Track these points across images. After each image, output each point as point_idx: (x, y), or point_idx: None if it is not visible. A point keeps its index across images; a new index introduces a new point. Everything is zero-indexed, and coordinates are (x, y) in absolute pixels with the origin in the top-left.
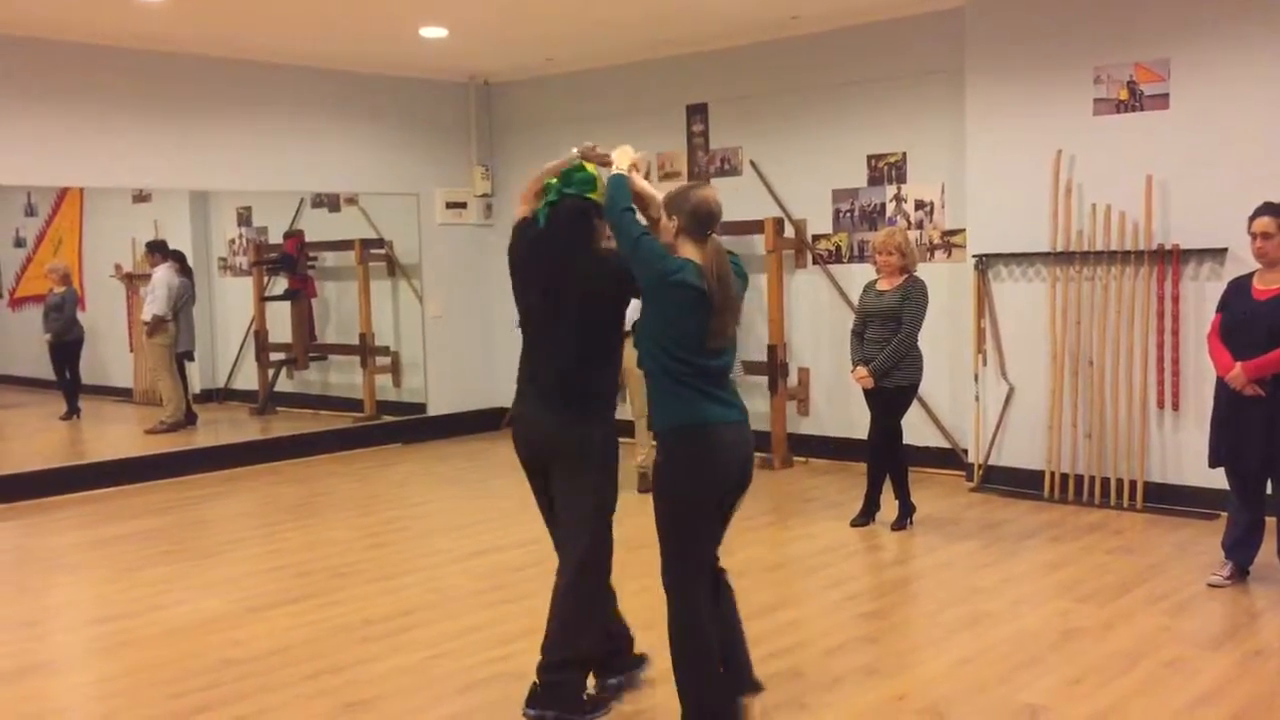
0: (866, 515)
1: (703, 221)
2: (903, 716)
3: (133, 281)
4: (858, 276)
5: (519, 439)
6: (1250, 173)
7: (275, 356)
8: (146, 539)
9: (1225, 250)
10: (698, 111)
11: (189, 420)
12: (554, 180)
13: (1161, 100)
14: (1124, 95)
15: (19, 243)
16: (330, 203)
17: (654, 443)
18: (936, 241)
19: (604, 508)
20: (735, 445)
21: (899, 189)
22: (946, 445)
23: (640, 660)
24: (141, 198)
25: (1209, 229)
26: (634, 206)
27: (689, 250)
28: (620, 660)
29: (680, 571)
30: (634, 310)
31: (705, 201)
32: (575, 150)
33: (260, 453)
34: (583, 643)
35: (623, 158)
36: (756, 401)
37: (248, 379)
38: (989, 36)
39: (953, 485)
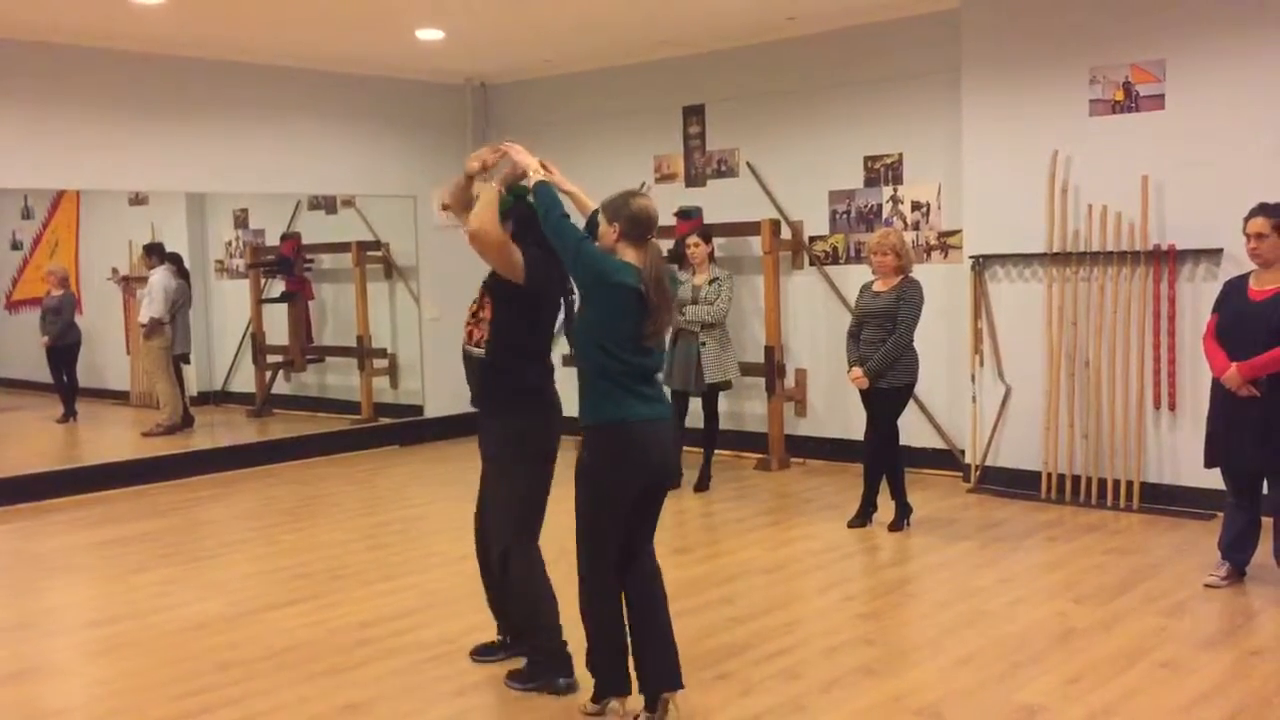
0: (864, 516)
1: (642, 226)
2: (900, 717)
3: (129, 284)
4: (854, 278)
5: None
6: (1246, 173)
7: (272, 359)
8: (144, 541)
9: (1221, 251)
10: (694, 113)
11: (186, 423)
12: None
13: (1157, 101)
14: (1120, 96)
15: (16, 245)
16: (327, 205)
17: None
18: (933, 242)
19: (525, 493)
20: (657, 442)
21: (895, 190)
22: (943, 446)
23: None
24: (138, 200)
25: (1204, 229)
26: (566, 212)
27: (629, 254)
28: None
29: (590, 557)
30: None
31: (644, 209)
32: (493, 181)
33: (257, 455)
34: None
35: (529, 161)
36: (754, 403)
37: (245, 381)
38: (985, 38)
39: (950, 486)
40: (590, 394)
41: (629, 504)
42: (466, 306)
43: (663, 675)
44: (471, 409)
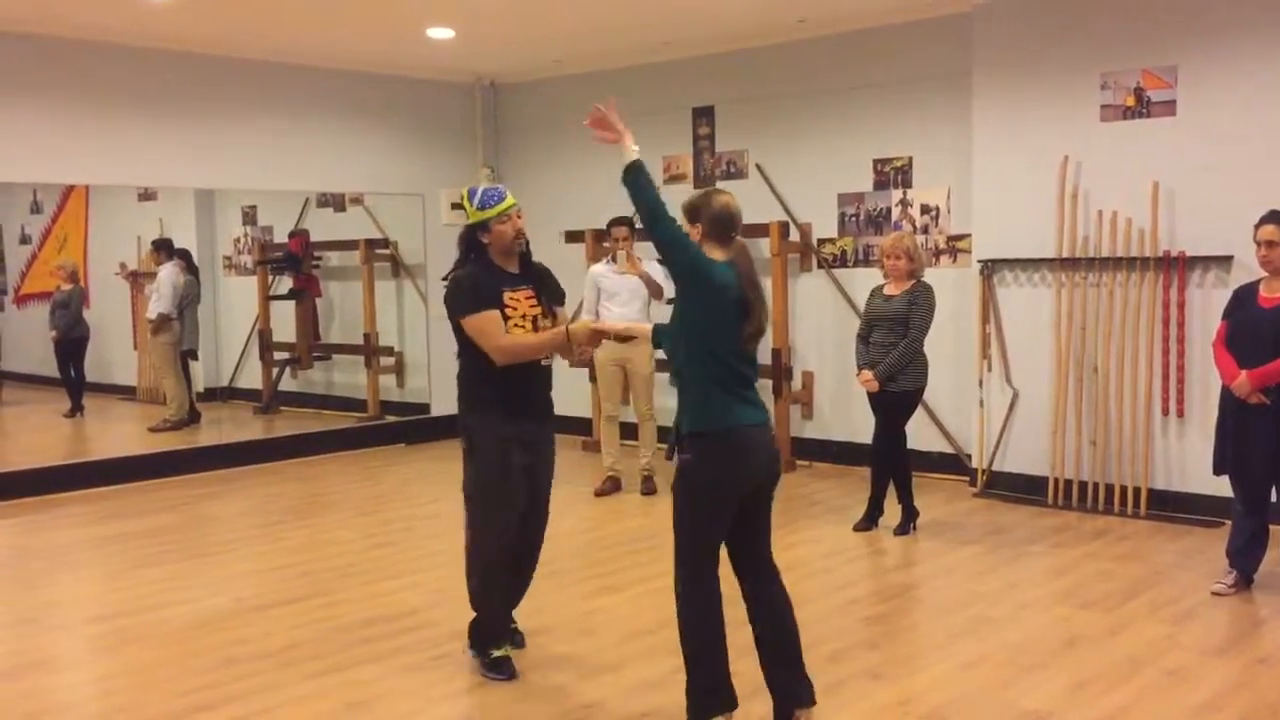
0: (870, 520)
1: (727, 225)
2: None
3: (137, 280)
4: (862, 280)
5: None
6: (1257, 180)
7: (279, 356)
8: (149, 537)
9: (1231, 258)
10: (704, 114)
11: (192, 419)
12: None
13: (1169, 107)
14: (1131, 101)
15: (24, 240)
16: (335, 202)
17: (659, 445)
18: (942, 246)
19: (480, 497)
20: (763, 446)
21: (905, 193)
22: (950, 450)
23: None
24: (147, 196)
25: (1215, 236)
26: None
27: (716, 255)
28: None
29: (695, 566)
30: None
31: (727, 206)
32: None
33: (263, 452)
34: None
35: (625, 135)
36: None
37: (251, 378)
38: (996, 42)
39: (956, 490)
40: (695, 400)
41: (734, 511)
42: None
43: (794, 691)
44: None
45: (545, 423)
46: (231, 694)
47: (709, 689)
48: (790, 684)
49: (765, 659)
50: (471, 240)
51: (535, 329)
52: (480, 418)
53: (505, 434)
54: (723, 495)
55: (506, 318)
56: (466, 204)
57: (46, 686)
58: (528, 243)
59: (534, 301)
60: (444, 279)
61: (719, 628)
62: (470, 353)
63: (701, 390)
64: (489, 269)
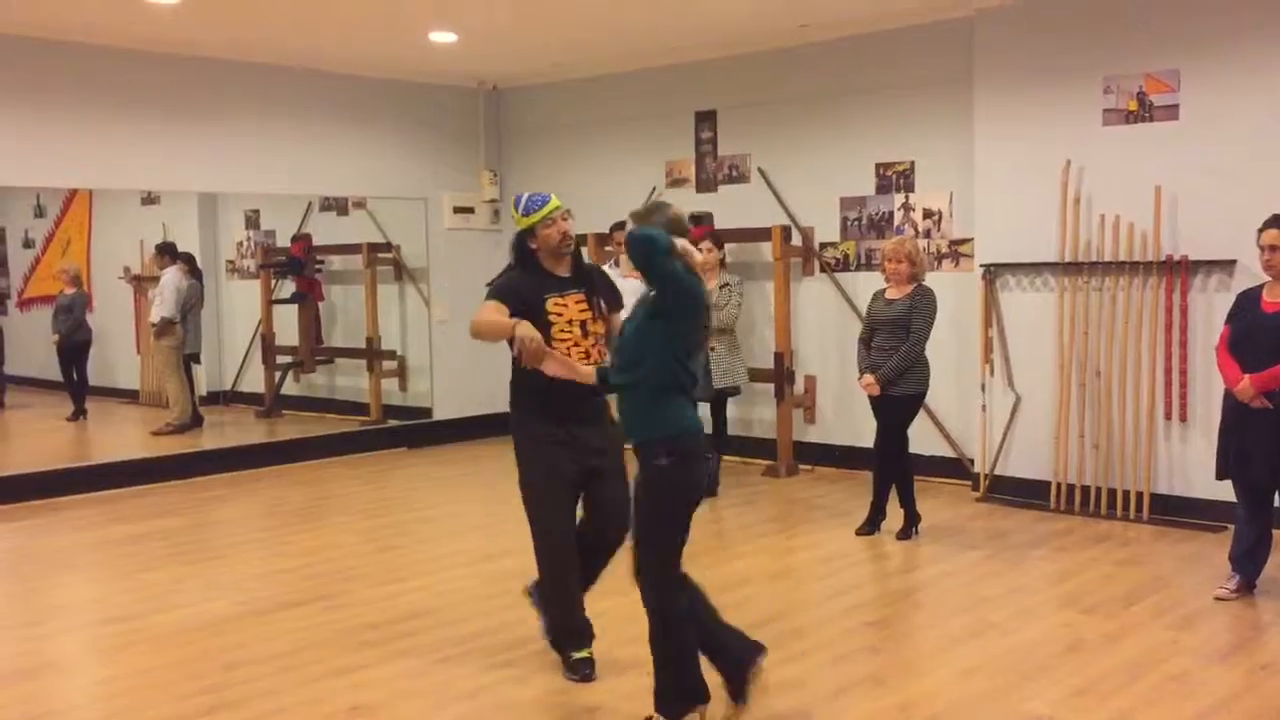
0: (872, 524)
1: (679, 234)
2: None
3: (141, 283)
4: (865, 285)
5: None
6: (1260, 185)
7: (282, 359)
8: (152, 540)
9: (1234, 262)
10: (706, 118)
11: (195, 422)
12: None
13: (1171, 111)
14: (1133, 106)
15: (28, 244)
16: (338, 206)
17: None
18: (944, 251)
19: (525, 496)
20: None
21: (907, 198)
22: (953, 454)
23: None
24: (150, 200)
25: (1218, 240)
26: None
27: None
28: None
29: (673, 568)
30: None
31: (679, 217)
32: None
33: (266, 455)
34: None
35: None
36: (763, 409)
37: (254, 381)
38: (998, 46)
39: (958, 495)
40: (659, 406)
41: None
42: (474, 309)
43: (747, 646)
44: (476, 411)
45: (595, 425)
46: (234, 698)
47: (689, 686)
48: (741, 640)
49: (710, 630)
50: (521, 247)
51: (584, 334)
52: (517, 417)
53: (540, 433)
54: (696, 496)
55: (550, 323)
56: (514, 211)
57: (49, 690)
58: (577, 244)
59: (584, 306)
60: (488, 285)
61: (690, 632)
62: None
63: (663, 397)
64: (535, 274)
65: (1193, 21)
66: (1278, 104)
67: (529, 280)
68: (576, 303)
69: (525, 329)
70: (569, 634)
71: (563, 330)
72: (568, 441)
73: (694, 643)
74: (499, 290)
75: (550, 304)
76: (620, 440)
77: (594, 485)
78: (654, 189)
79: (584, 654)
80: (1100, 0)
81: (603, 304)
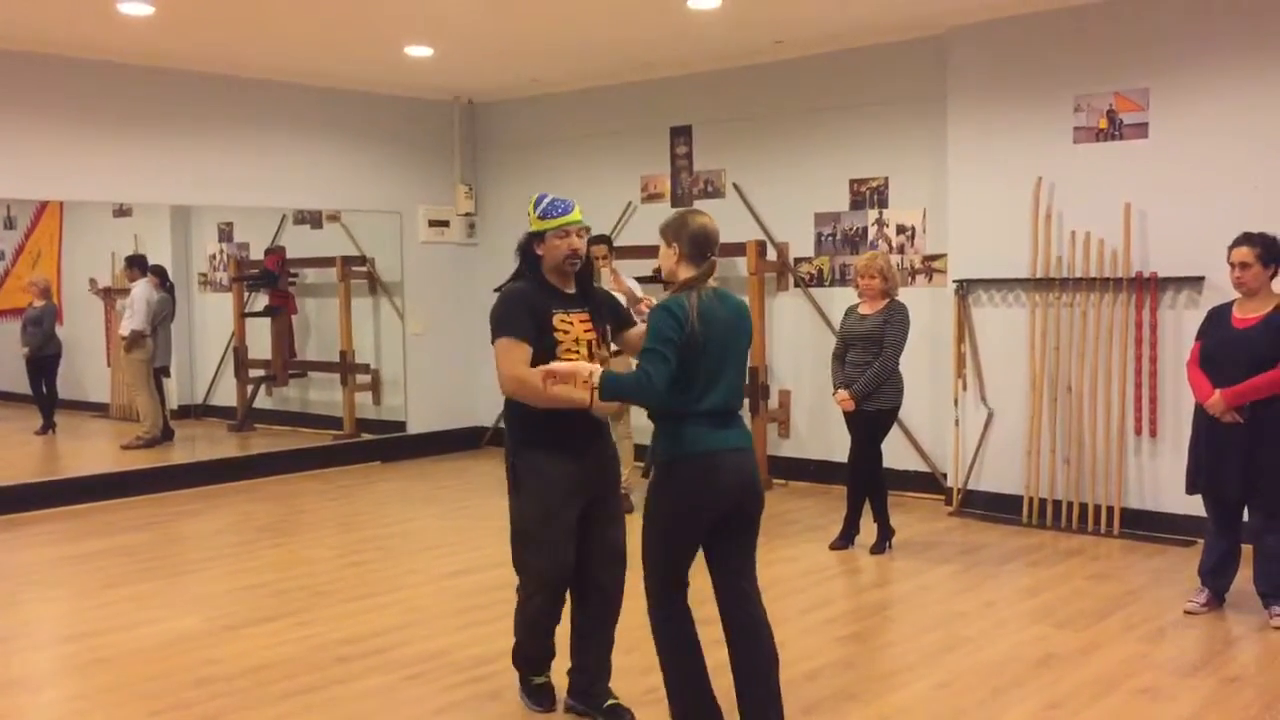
0: (846, 538)
1: (703, 247)
2: None
3: (110, 296)
4: (839, 300)
5: None
6: (1228, 202)
7: (254, 373)
8: (122, 555)
9: (1203, 279)
10: (682, 133)
11: (166, 436)
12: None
13: (1141, 129)
14: (1104, 124)
15: None
16: (312, 219)
17: (636, 464)
18: (918, 266)
19: (516, 529)
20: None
21: (881, 213)
22: (926, 469)
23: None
24: (122, 212)
25: (1187, 257)
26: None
27: (686, 272)
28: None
29: (659, 593)
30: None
31: (704, 228)
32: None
33: (238, 470)
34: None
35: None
36: None
37: (226, 395)
38: (970, 64)
39: (932, 509)
40: (663, 429)
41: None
42: (449, 322)
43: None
44: (450, 425)
45: (607, 468)
46: (203, 715)
47: (693, 714)
48: (764, 709)
49: (740, 684)
50: (528, 251)
51: (590, 355)
52: (528, 453)
53: (553, 475)
54: (697, 519)
55: (557, 342)
56: (531, 209)
57: (16, 707)
58: (587, 264)
59: (589, 326)
60: (497, 290)
61: (694, 664)
62: None
63: (673, 421)
64: (542, 287)
65: (1162, 41)
66: (1245, 122)
67: (537, 291)
68: (581, 321)
69: (562, 388)
70: (541, 658)
71: (569, 350)
72: (580, 485)
73: (695, 668)
74: (512, 317)
75: (557, 320)
76: (618, 476)
77: (594, 525)
78: (629, 204)
79: (544, 679)
80: (1071, 19)
81: (608, 328)
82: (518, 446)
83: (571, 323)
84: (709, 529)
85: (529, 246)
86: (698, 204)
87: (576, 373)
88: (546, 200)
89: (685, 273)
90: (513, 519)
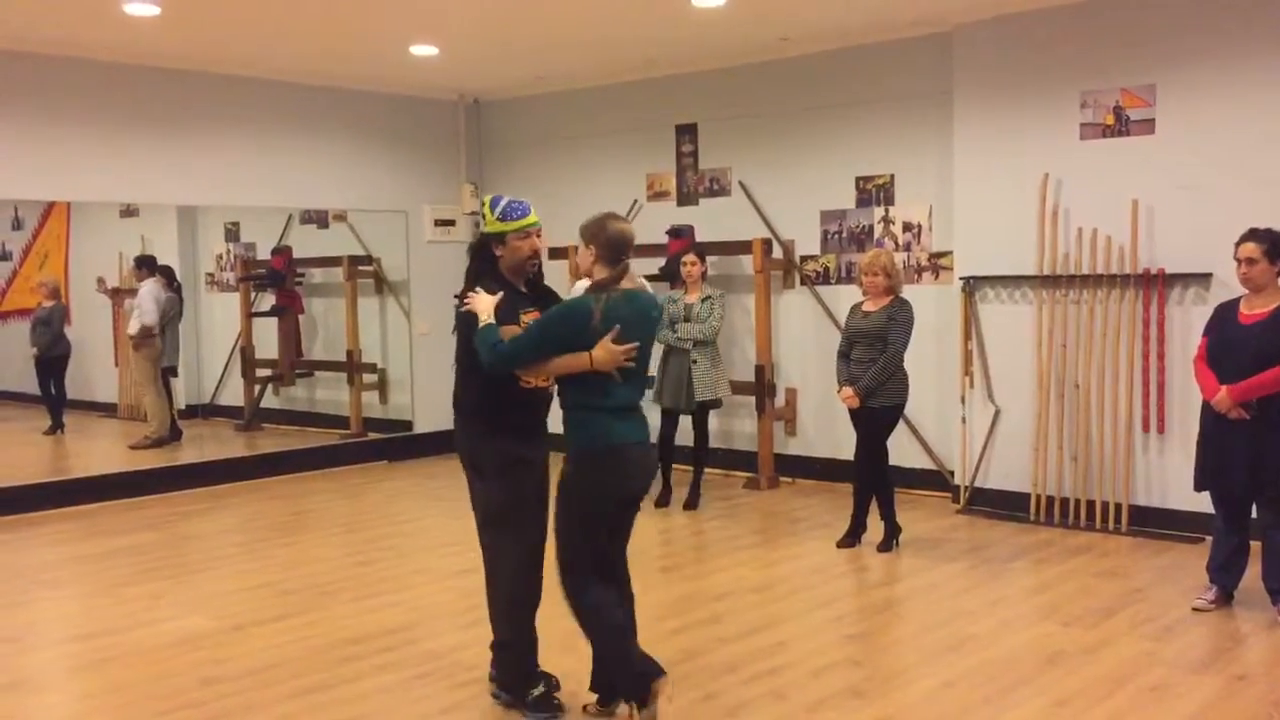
0: (853, 536)
1: (619, 250)
2: None
3: (118, 296)
4: (845, 297)
5: None
6: (1235, 198)
7: (261, 372)
8: (130, 555)
9: (1210, 275)
10: (687, 131)
11: (173, 436)
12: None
13: (1147, 125)
14: (1110, 120)
15: (4, 256)
16: (319, 219)
17: None
18: (924, 263)
19: (488, 517)
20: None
21: (887, 211)
22: (933, 467)
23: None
24: (129, 212)
25: (1194, 254)
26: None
27: (602, 272)
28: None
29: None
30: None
31: (621, 233)
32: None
33: (245, 469)
34: (496, 628)
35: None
36: (744, 421)
37: (233, 395)
38: (977, 61)
39: (939, 507)
40: (572, 420)
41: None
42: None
43: (650, 669)
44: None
45: (544, 444)
46: (211, 714)
47: (638, 671)
48: (646, 660)
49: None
50: (484, 252)
51: None
52: (490, 441)
53: (515, 456)
54: (603, 508)
55: None
56: (487, 212)
57: (24, 706)
58: (541, 265)
59: None
60: (456, 297)
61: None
62: (478, 372)
63: (584, 414)
64: (506, 285)
65: (1169, 37)
66: (1252, 118)
67: (506, 292)
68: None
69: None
70: (532, 670)
71: None
72: (532, 463)
73: (620, 632)
74: (505, 313)
75: (524, 320)
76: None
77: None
78: (635, 202)
79: (542, 690)
80: (1077, 16)
81: None
82: (478, 431)
83: (527, 322)
84: (613, 512)
85: (486, 247)
86: (703, 202)
87: (482, 306)
88: (504, 202)
89: (600, 273)
90: (479, 507)
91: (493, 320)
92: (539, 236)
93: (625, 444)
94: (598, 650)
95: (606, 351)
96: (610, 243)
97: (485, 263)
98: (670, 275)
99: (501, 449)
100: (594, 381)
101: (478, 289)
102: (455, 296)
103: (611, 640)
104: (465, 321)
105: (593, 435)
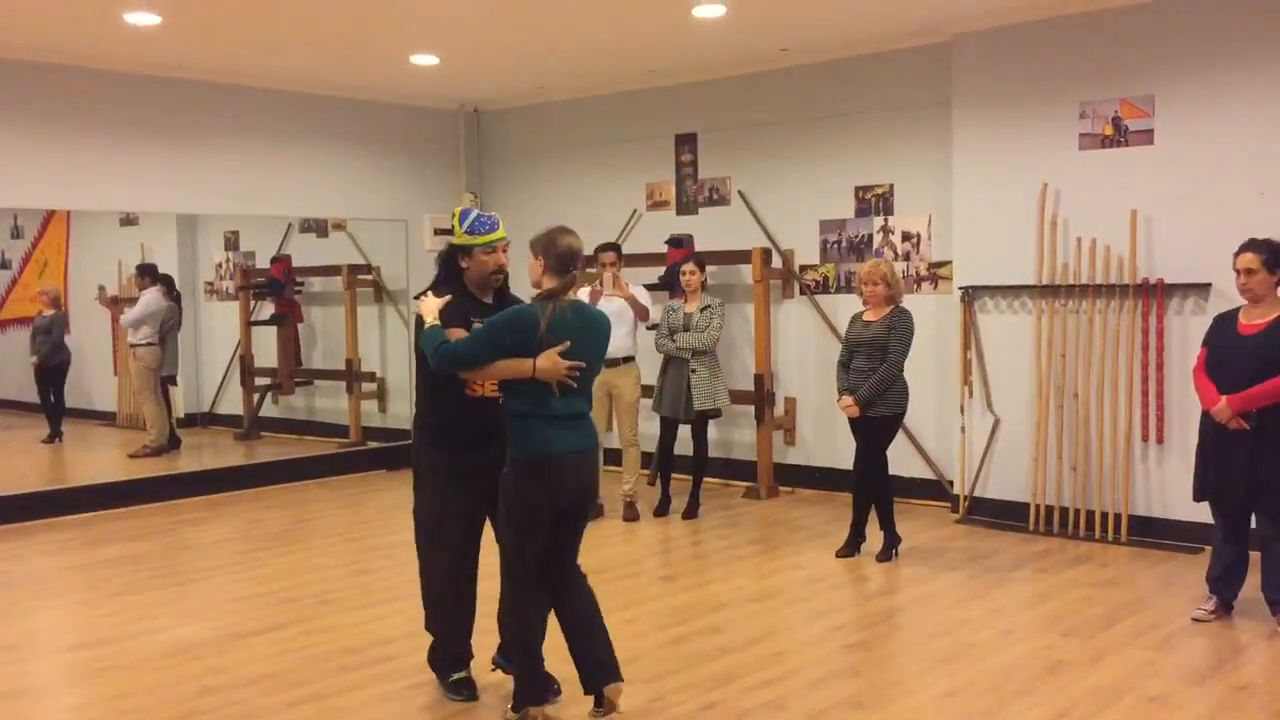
0: (852, 546)
1: (567, 263)
2: None
3: (118, 305)
4: (845, 307)
5: None
6: (1233, 208)
7: (261, 381)
8: (129, 564)
9: (1209, 285)
10: (687, 141)
11: (172, 445)
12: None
13: (1146, 136)
14: (1109, 131)
15: (4, 264)
16: (318, 228)
17: (642, 471)
18: (923, 273)
19: (415, 521)
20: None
21: (886, 220)
22: (932, 476)
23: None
24: (129, 221)
25: (1193, 264)
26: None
27: (551, 282)
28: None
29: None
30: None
31: (570, 246)
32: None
33: (244, 478)
34: (430, 628)
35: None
36: (743, 431)
37: (233, 403)
38: (976, 71)
39: (938, 516)
40: (515, 428)
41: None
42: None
43: (606, 663)
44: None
45: (494, 451)
46: None
47: (534, 682)
48: (602, 656)
49: (574, 638)
50: (451, 262)
51: None
52: (429, 450)
53: (443, 465)
54: (540, 514)
55: None
56: (455, 224)
57: (23, 715)
58: (506, 278)
59: None
60: (416, 298)
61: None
62: (430, 380)
63: (525, 421)
64: (468, 298)
65: (1168, 48)
66: (1250, 129)
67: (465, 301)
68: None
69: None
70: (453, 658)
71: None
72: (475, 473)
73: (537, 640)
74: (449, 320)
75: (475, 326)
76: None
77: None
78: (634, 212)
79: (464, 675)
80: (1076, 26)
81: None
82: (422, 439)
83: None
84: (553, 520)
85: (453, 258)
86: (703, 211)
87: (429, 309)
88: (473, 216)
89: (548, 284)
90: (415, 508)
91: (438, 323)
92: (504, 251)
93: (563, 454)
94: (516, 648)
95: (550, 362)
96: (559, 256)
97: (450, 273)
98: (670, 284)
99: (430, 457)
100: (535, 389)
101: (428, 292)
102: (415, 298)
103: (529, 643)
104: (418, 325)
105: (531, 444)
